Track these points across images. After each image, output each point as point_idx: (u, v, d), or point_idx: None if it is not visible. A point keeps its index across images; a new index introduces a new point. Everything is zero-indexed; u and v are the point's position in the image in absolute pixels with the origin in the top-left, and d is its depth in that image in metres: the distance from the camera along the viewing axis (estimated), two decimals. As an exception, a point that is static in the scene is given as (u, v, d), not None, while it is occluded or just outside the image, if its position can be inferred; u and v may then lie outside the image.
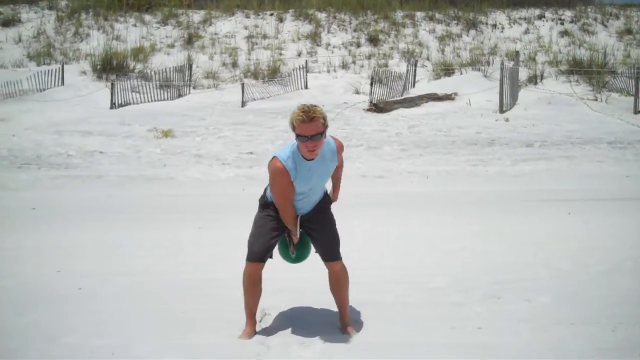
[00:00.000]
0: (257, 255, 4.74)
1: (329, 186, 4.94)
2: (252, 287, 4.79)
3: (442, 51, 25.49)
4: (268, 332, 4.91)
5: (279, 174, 4.51)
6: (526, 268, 6.51)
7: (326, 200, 4.85)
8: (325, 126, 4.45)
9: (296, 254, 4.88)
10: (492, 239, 7.73)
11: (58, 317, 5.23)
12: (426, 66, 24.30)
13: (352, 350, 4.58)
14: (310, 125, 4.38)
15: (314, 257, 4.96)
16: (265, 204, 4.79)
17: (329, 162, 4.65)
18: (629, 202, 9.87)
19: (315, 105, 4.51)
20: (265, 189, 4.82)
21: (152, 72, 22.31)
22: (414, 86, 22.58)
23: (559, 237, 7.78)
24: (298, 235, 4.77)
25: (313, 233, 4.80)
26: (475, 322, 5.06)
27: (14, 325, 5.05)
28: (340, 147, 4.75)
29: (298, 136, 4.43)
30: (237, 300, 4.98)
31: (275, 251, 4.91)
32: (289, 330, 4.93)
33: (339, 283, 4.87)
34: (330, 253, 4.82)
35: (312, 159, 4.52)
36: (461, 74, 23.33)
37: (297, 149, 4.52)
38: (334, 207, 4.98)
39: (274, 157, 4.56)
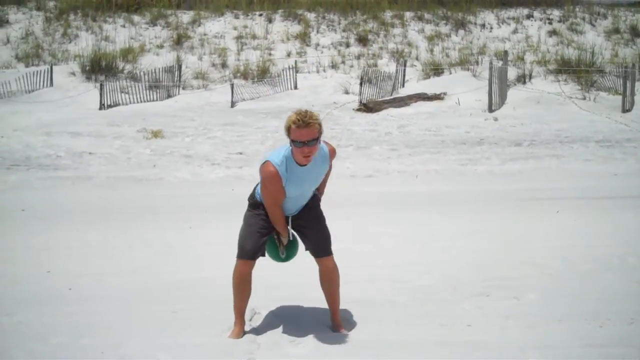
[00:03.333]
0: (249, 253, 4.74)
1: None
2: (242, 286, 4.79)
3: (431, 51, 25.56)
4: (258, 330, 4.92)
5: (271, 179, 4.49)
6: (515, 266, 6.54)
7: (315, 198, 4.86)
8: (320, 132, 4.45)
9: (285, 254, 4.90)
10: (481, 238, 7.76)
11: (48, 317, 5.23)
12: (415, 66, 24.35)
13: (342, 348, 4.60)
14: (306, 131, 4.36)
15: (304, 255, 4.97)
16: (254, 204, 4.79)
17: (320, 167, 4.65)
18: (617, 200, 9.93)
19: (311, 111, 4.49)
20: (255, 188, 4.82)
21: (142, 73, 22.26)
22: (403, 86, 22.63)
23: (547, 235, 7.82)
24: (289, 238, 4.79)
25: (303, 230, 4.80)
26: (464, 320, 5.09)
27: (3, 325, 5.04)
28: (332, 152, 4.77)
29: (293, 141, 4.40)
30: (227, 299, 4.98)
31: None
32: (280, 328, 4.94)
33: (330, 280, 4.86)
34: (321, 249, 4.80)
35: (306, 165, 4.51)
36: (450, 73, 23.40)
37: (291, 154, 4.49)
38: (323, 207, 4.99)
39: (266, 161, 4.52)
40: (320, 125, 4.45)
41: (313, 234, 4.79)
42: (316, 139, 4.41)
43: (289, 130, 4.39)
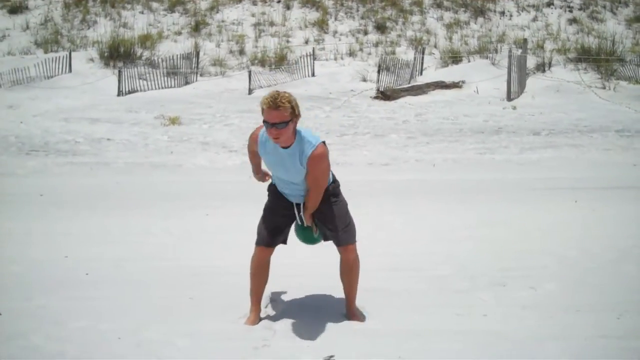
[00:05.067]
0: (265, 239, 4.75)
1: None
2: (259, 272, 4.79)
3: (450, 39, 25.39)
4: (274, 317, 4.94)
5: (250, 138, 4.78)
6: (532, 256, 6.51)
7: (328, 193, 4.79)
8: (294, 115, 4.38)
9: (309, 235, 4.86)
10: (498, 227, 7.73)
11: (66, 301, 5.27)
12: (434, 54, 24.21)
13: (357, 335, 4.60)
14: (275, 113, 4.33)
15: (321, 243, 4.96)
16: (269, 186, 4.84)
17: (293, 160, 4.49)
18: (636, 190, 9.85)
19: (287, 93, 4.44)
20: None
21: (160, 60, 22.31)
22: (421, 74, 22.51)
23: (565, 225, 7.78)
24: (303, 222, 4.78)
25: (321, 222, 4.78)
26: (480, 309, 5.07)
27: (22, 309, 5.09)
28: (314, 158, 4.44)
29: (264, 122, 4.42)
30: (244, 286, 5.00)
31: (292, 236, 4.88)
32: (295, 316, 4.94)
33: (349, 270, 4.84)
34: (339, 238, 4.77)
35: (283, 147, 4.47)
36: (469, 61, 23.24)
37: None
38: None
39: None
40: (293, 108, 4.37)
41: (327, 225, 4.76)
42: (286, 122, 4.35)
43: (262, 110, 4.41)
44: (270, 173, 4.91)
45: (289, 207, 4.76)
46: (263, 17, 26.72)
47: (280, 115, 4.33)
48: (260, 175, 5.01)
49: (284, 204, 4.76)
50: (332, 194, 4.77)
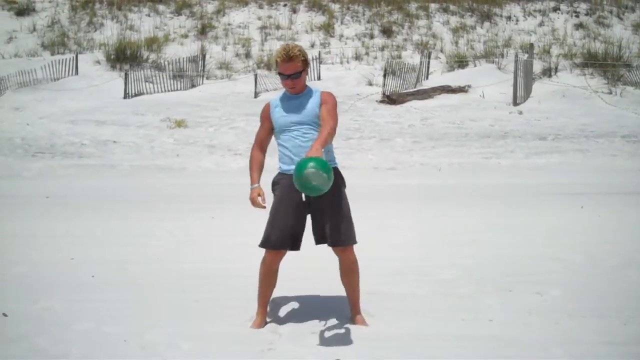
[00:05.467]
0: (274, 243, 4.63)
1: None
2: (268, 276, 4.74)
3: (456, 43, 25.39)
4: (280, 320, 4.93)
5: (262, 112, 4.85)
6: (538, 261, 6.49)
7: (338, 183, 4.70)
8: (305, 64, 4.66)
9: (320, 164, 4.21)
10: (504, 232, 7.71)
11: (71, 304, 5.27)
12: (440, 58, 24.21)
13: (362, 339, 4.59)
14: (289, 65, 4.60)
15: (326, 246, 4.91)
16: (273, 182, 4.75)
17: (310, 99, 4.71)
18: (642, 196, 9.82)
19: (297, 45, 4.73)
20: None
21: (166, 62, 22.36)
22: (427, 78, 22.51)
23: (571, 230, 7.76)
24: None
25: (320, 216, 4.63)
26: (486, 315, 5.06)
27: (28, 311, 5.09)
28: (325, 92, 4.77)
29: (279, 74, 4.69)
30: (249, 289, 4.99)
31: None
32: (301, 319, 4.94)
33: (350, 272, 4.79)
34: (342, 237, 4.63)
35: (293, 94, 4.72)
36: (475, 66, 23.24)
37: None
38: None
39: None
40: (305, 58, 4.65)
41: (329, 219, 4.61)
42: (299, 73, 4.63)
43: (276, 63, 4.67)
44: (265, 202, 4.71)
45: (299, 192, 4.50)
46: (269, 21, 26.76)
47: (294, 66, 4.60)
48: (257, 190, 4.73)
49: (293, 191, 4.54)
50: (343, 184, 4.74)
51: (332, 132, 4.57)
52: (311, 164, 4.17)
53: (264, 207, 4.73)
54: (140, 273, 6.17)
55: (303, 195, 4.56)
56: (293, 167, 4.48)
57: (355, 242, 4.75)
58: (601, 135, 15.61)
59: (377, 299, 5.31)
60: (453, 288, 5.71)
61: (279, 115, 4.73)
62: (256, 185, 4.78)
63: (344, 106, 19.10)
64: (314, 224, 4.70)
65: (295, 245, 4.69)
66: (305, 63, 4.67)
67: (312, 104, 4.70)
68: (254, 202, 4.76)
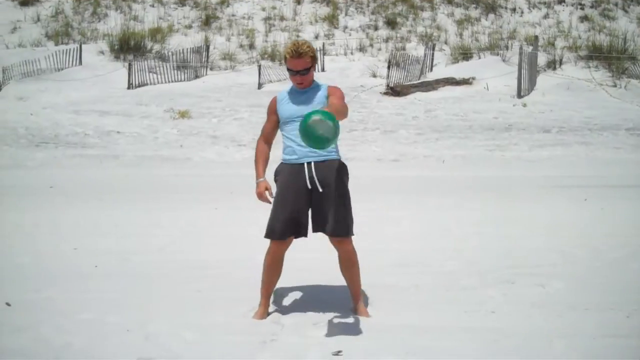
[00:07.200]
0: (279, 233, 4.62)
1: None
2: (273, 267, 4.74)
3: (461, 35, 25.32)
4: (282, 311, 4.94)
5: (270, 104, 4.86)
6: (541, 253, 6.49)
7: (341, 174, 4.69)
8: (314, 60, 4.67)
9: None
10: (507, 224, 7.71)
11: (74, 293, 5.28)
12: (444, 50, 24.16)
13: (364, 332, 4.59)
14: (298, 61, 4.60)
15: (326, 238, 4.91)
16: (276, 172, 4.74)
17: (318, 92, 4.75)
18: (646, 189, 9.81)
19: (306, 41, 4.73)
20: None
21: (170, 53, 22.34)
22: (431, 70, 22.47)
23: (574, 223, 7.75)
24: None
25: (322, 203, 4.60)
26: (488, 306, 5.06)
27: (31, 301, 5.11)
28: (332, 86, 4.82)
29: (288, 70, 4.69)
30: (251, 280, 4.99)
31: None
32: (303, 310, 4.94)
33: (350, 263, 4.77)
34: (341, 226, 4.61)
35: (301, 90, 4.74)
36: (479, 58, 23.19)
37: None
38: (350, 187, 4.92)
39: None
40: (313, 55, 4.66)
41: (331, 208, 4.58)
42: (308, 69, 4.64)
43: (285, 59, 4.67)
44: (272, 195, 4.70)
45: (303, 180, 4.55)
46: (273, 12, 26.70)
47: (303, 62, 4.61)
48: (264, 183, 4.71)
49: (296, 177, 4.57)
50: (346, 176, 4.71)
51: (343, 109, 4.55)
52: (315, 114, 4.10)
53: (271, 202, 4.72)
54: (143, 263, 6.18)
55: (308, 181, 4.56)
56: (296, 156, 4.62)
57: (353, 234, 4.75)
58: (605, 128, 15.57)
59: (379, 290, 5.31)
60: (456, 280, 5.71)
61: (286, 107, 4.75)
62: (262, 179, 4.77)
63: (348, 98, 19.06)
64: (314, 212, 4.68)
65: (300, 232, 4.68)
66: (314, 59, 4.69)
67: (320, 96, 4.72)
68: (261, 197, 4.74)
